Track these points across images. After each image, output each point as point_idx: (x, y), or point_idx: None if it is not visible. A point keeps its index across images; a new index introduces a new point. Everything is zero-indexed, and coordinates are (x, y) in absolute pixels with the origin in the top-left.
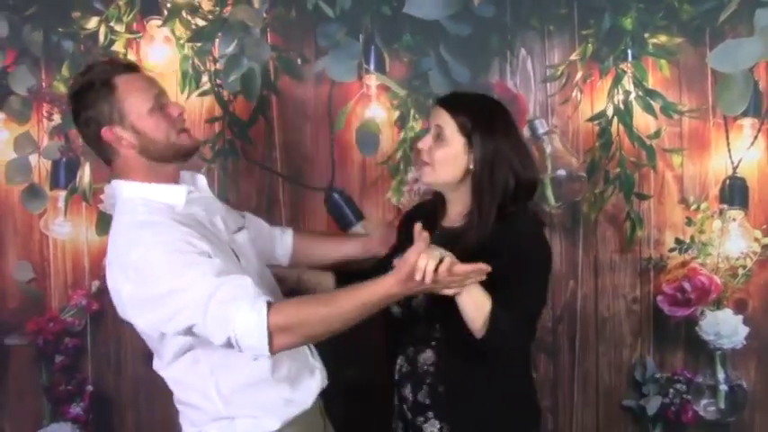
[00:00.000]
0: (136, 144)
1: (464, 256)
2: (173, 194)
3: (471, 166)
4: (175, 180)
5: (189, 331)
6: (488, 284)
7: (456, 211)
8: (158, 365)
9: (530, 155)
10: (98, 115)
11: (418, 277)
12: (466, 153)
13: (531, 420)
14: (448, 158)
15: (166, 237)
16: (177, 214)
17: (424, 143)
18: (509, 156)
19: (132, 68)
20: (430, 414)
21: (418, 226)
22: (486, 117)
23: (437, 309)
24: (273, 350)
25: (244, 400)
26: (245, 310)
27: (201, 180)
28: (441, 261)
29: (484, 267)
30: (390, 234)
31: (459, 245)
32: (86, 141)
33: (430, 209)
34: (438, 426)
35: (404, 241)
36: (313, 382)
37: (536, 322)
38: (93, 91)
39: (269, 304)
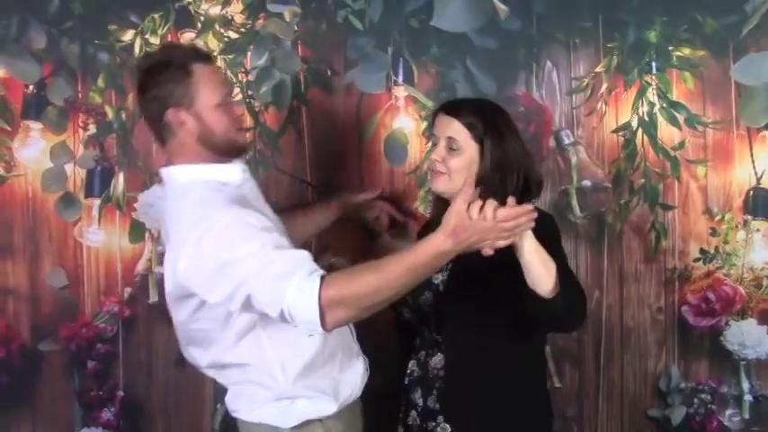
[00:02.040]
0: (196, 132)
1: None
2: (228, 172)
3: (484, 171)
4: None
5: (248, 304)
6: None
7: None
8: (217, 354)
9: (532, 154)
10: (167, 95)
11: (474, 215)
12: (479, 158)
13: (542, 426)
14: (464, 166)
15: (228, 212)
16: (233, 194)
17: (438, 154)
18: (519, 157)
19: (209, 59)
20: (440, 418)
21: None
22: (494, 121)
23: (444, 305)
24: (327, 325)
25: (304, 381)
26: (297, 284)
27: (246, 170)
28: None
29: (530, 209)
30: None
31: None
32: (146, 117)
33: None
34: (449, 430)
35: None
36: (359, 364)
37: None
38: (168, 70)
39: (322, 278)
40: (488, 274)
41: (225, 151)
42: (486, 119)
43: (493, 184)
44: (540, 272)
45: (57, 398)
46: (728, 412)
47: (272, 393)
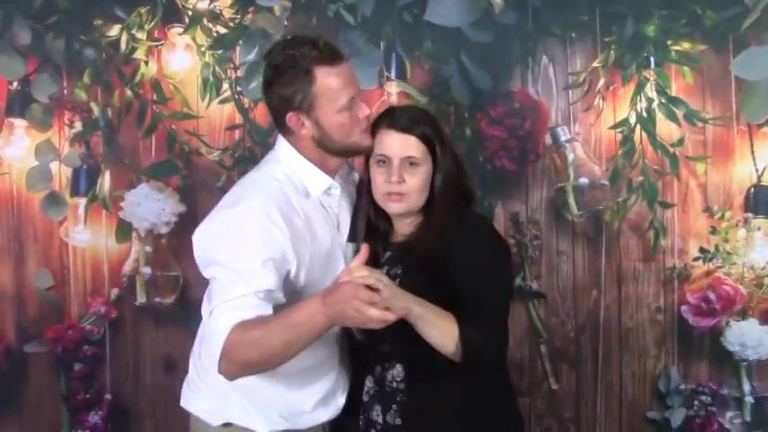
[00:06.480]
0: (315, 136)
1: (418, 268)
2: (316, 181)
3: (437, 185)
4: (333, 171)
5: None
6: (451, 296)
7: (405, 226)
8: None
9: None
10: (289, 98)
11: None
12: (433, 172)
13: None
14: (424, 183)
15: (258, 206)
16: (305, 201)
17: (396, 176)
18: (460, 165)
19: (335, 61)
20: None
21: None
22: (439, 129)
23: (404, 328)
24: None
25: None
26: (227, 309)
27: (356, 177)
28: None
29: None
30: None
31: (413, 256)
32: (269, 108)
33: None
34: None
35: None
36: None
37: (507, 324)
38: (292, 73)
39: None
40: (434, 288)
41: (342, 153)
42: (435, 128)
43: (447, 196)
44: (438, 343)
45: (43, 401)
46: (729, 414)
47: (206, 387)
